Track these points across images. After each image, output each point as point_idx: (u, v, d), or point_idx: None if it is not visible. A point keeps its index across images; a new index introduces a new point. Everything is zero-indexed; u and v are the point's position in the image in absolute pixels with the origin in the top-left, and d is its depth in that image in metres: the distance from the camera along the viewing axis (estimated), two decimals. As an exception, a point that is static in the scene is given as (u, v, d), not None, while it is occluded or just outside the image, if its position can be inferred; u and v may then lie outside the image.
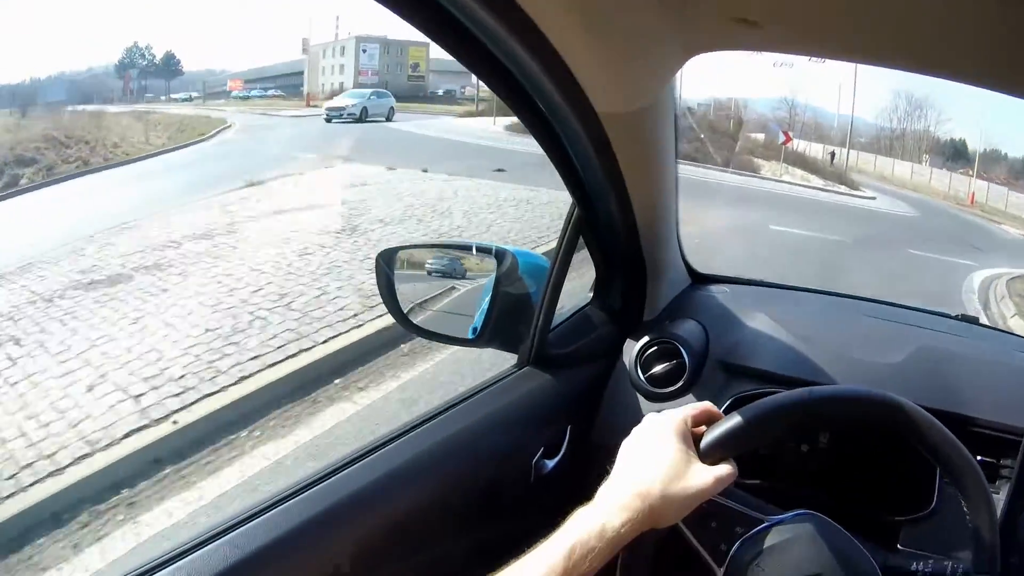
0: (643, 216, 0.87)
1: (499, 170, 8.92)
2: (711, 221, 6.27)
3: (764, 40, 0.60)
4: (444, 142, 12.96)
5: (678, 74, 0.72)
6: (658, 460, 0.56)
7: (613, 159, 0.74)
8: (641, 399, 0.92)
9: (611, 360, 0.95)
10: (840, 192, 16.79)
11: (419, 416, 0.79)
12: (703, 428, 0.60)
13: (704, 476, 0.55)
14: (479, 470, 0.79)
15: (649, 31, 0.58)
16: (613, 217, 0.85)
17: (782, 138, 18.48)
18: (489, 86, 0.64)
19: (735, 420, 0.59)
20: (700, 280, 1.11)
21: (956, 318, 1.22)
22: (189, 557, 0.55)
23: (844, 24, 0.54)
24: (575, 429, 0.91)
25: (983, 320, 1.27)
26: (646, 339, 0.93)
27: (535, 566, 0.51)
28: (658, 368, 0.91)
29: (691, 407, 0.61)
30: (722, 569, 0.57)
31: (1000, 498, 0.81)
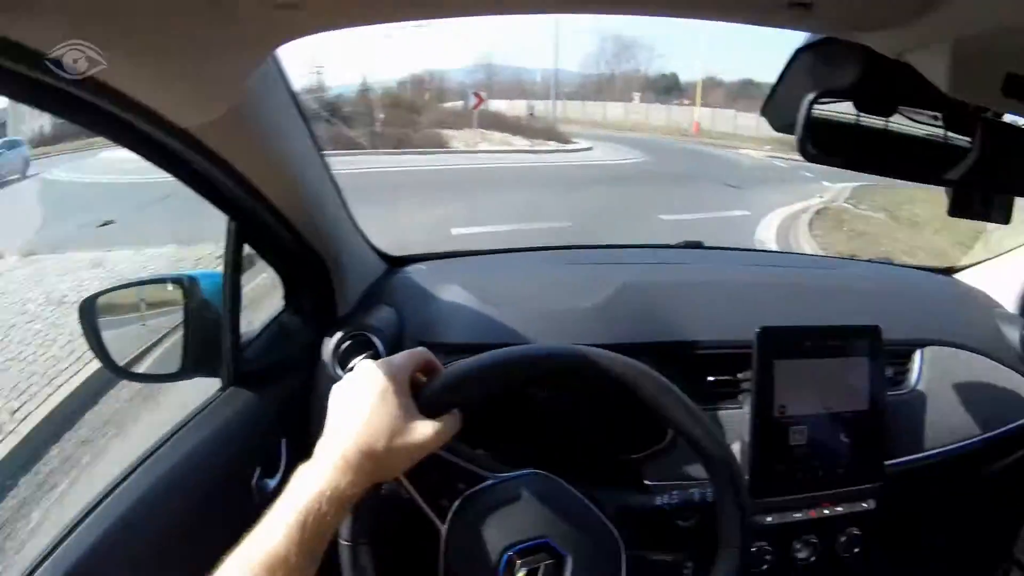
0: (298, 214, 0.82)
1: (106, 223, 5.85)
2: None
3: (317, 21, 0.54)
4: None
5: (281, 64, 0.69)
6: (379, 412, 0.54)
7: (230, 166, 0.69)
8: None
9: (313, 364, 0.92)
10: (550, 150, 14.58)
11: (135, 460, 0.74)
12: (422, 378, 0.59)
13: (425, 429, 0.55)
14: (199, 501, 0.75)
15: (204, 39, 0.52)
16: (266, 221, 0.81)
17: (472, 100, 15.70)
18: (104, 135, 0.58)
19: (451, 372, 0.59)
20: (396, 263, 1.09)
21: (678, 246, 1.27)
22: None
23: None
24: (291, 442, 0.88)
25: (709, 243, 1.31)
26: (339, 335, 0.90)
27: (271, 543, 0.48)
28: (355, 362, 0.89)
29: (408, 354, 0.59)
30: (444, 526, 0.58)
31: (745, 412, 0.86)
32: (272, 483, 0.84)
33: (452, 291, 0.96)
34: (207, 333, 0.84)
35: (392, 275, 1.04)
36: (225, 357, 0.84)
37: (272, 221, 0.81)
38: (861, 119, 0.62)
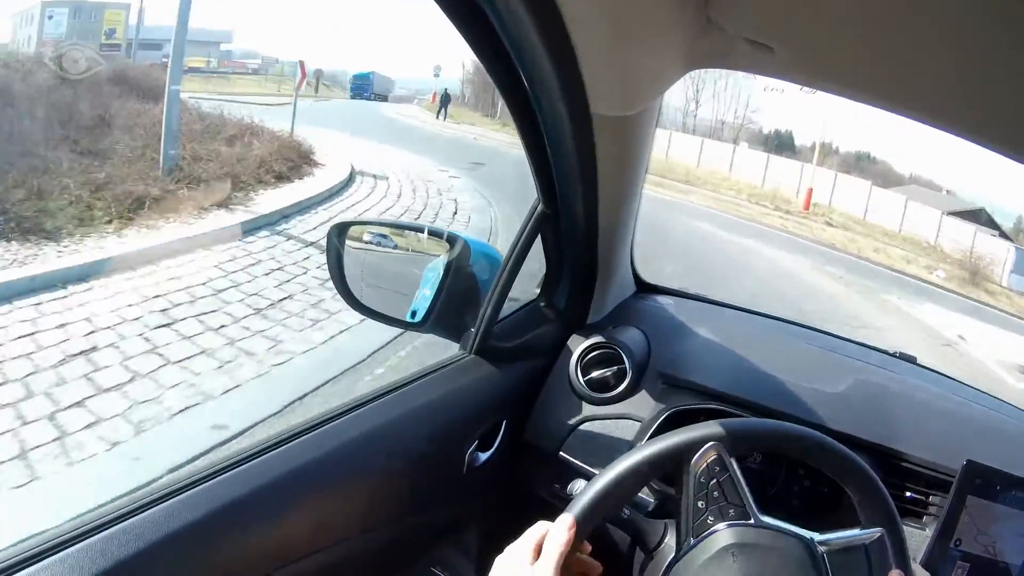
0: (605, 220, 0.87)
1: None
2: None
3: (768, 64, 0.59)
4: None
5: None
6: None
7: (593, 161, 0.73)
8: (576, 401, 0.92)
9: (551, 359, 0.95)
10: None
11: (361, 396, 0.77)
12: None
13: None
14: (415, 455, 0.78)
15: (661, 36, 0.57)
16: (576, 218, 0.85)
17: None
18: (488, 71, 0.62)
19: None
20: (645, 289, 1.13)
21: (894, 355, 1.27)
22: (130, 520, 0.53)
23: (854, 61, 0.54)
24: (510, 424, 0.90)
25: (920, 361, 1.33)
26: (590, 342, 0.93)
27: None
28: (597, 373, 0.91)
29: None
30: None
31: (927, 535, 0.86)
32: (483, 456, 0.86)
33: (701, 333, 0.98)
34: (458, 298, 0.86)
35: (641, 299, 1.07)
36: (477, 327, 0.86)
37: (581, 219, 0.84)
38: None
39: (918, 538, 0.88)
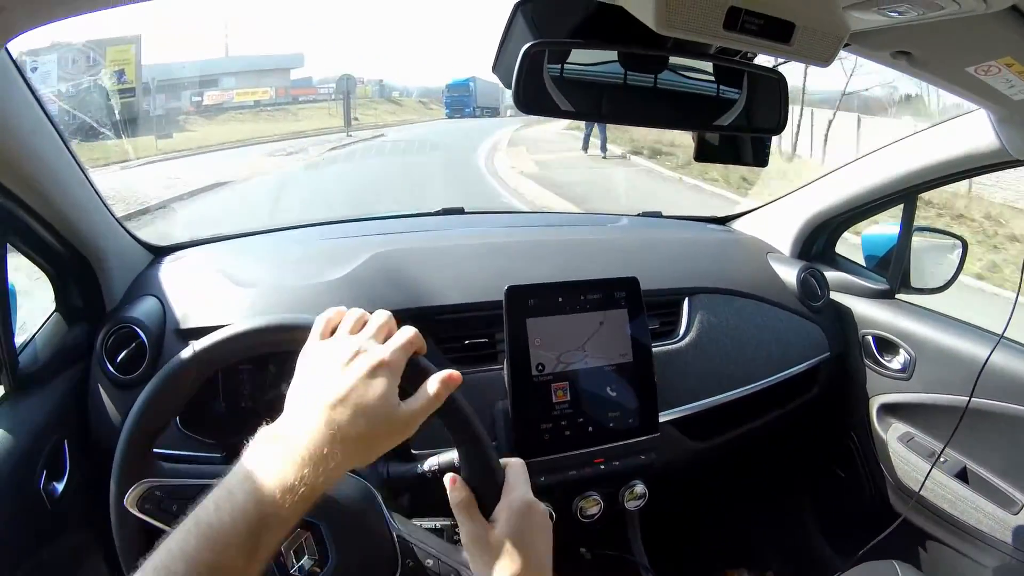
0: (52, 212, 0.82)
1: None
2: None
3: (25, 21, 0.53)
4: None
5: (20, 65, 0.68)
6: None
7: None
8: (117, 392, 0.88)
9: (87, 362, 0.90)
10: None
11: None
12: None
13: None
14: None
15: None
16: (23, 220, 0.80)
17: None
18: None
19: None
20: (161, 253, 1.08)
21: (439, 212, 1.27)
22: None
23: None
24: (72, 441, 0.86)
25: (471, 208, 1.30)
26: (104, 330, 0.89)
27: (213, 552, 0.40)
28: (123, 355, 0.87)
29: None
30: None
31: (504, 373, 0.85)
32: (60, 486, 0.82)
33: (209, 277, 0.96)
34: None
35: (156, 266, 1.02)
36: (3, 364, 0.80)
37: (28, 220, 0.80)
38: (630, 77, 0.64)
39: (501, 379, 0.86)
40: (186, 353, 0.58)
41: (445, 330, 0.91)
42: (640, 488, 0.90)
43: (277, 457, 0.44)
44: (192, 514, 0.42)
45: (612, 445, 0.86)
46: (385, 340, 0.51)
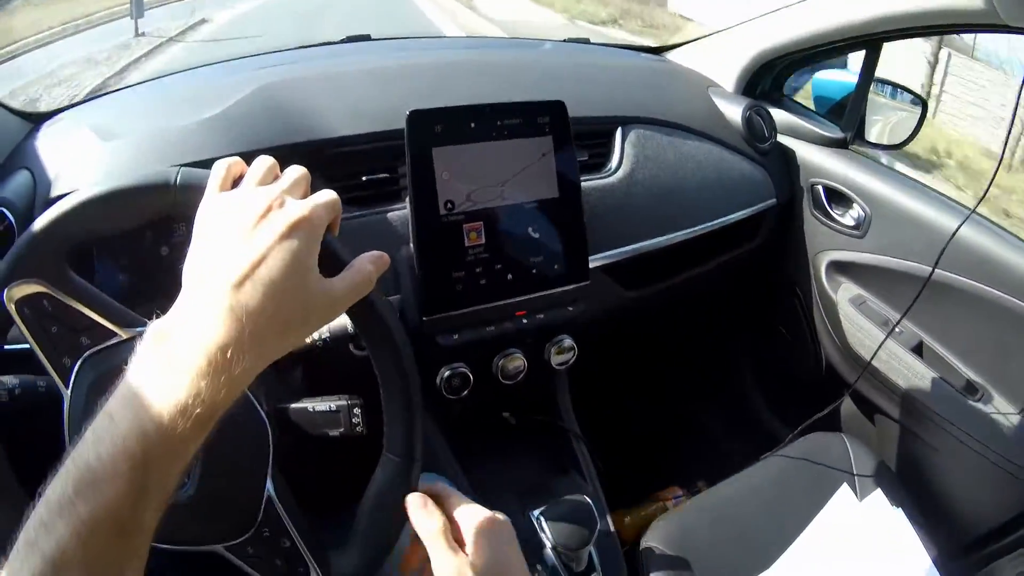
0: None
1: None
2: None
3: None
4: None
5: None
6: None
7: None
8: None
9: None
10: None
11: None
12: None
13: None
14: None
15: None
16: None
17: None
18: None
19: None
20: (41, 120, 0.92)
21: (343, 41, 1.16)
22: None
23: None
24: None
25: (378, 34, 1.19)
26: None
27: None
28: None
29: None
30: (68, 390, 0.48)
31: (407, 213, 0.73)
32: None
33: (83, 137, 0.79)
34: None
35: (34, 134, 0.86)
36: None
37: None
38: None
39: (407, 219, 0.74)
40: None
41: (340, 166, 0.76)
42: (568, 342, 0.80)
43: (164, 367, 0.33)
44: (71, 452, 0.32)
45: (536, 295, 0.75)
46: (303, 198, 0.40)
